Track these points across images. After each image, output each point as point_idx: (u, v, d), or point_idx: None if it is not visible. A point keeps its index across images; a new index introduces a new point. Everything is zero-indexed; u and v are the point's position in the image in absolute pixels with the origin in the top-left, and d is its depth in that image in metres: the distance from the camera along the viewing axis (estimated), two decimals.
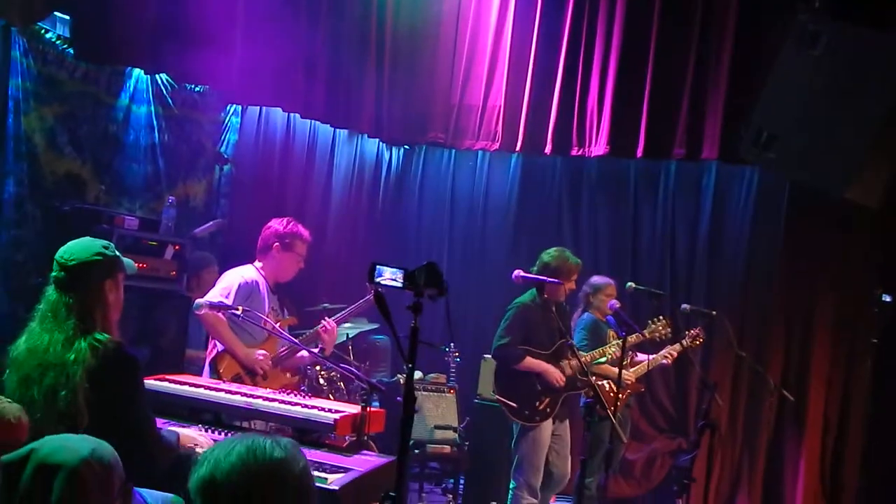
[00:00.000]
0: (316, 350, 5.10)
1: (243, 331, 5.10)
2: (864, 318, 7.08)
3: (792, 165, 6.13)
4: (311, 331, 5.38)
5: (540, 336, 5.99)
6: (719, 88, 6.93)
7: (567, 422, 6.14)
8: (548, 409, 5.89)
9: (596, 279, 6.92)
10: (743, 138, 6.14)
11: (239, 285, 5.06)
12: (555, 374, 5.89)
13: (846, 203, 6.08)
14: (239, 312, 4.54)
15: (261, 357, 5.06)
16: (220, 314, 4.84)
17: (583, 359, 5.78)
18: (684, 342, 6.55)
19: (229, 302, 4.86)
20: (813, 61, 5.71)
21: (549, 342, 6.00)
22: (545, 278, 5.76)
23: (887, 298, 6.42)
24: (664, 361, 6.72)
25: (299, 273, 5.49)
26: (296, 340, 4.97)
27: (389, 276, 3.11)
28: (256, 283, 5.17)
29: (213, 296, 4.95)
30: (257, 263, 5.33)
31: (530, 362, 5.89)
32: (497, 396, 6.03)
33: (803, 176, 6.32)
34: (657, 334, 6.49)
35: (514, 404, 5.89)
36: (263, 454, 2.02)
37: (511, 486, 6.04)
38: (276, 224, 5.35)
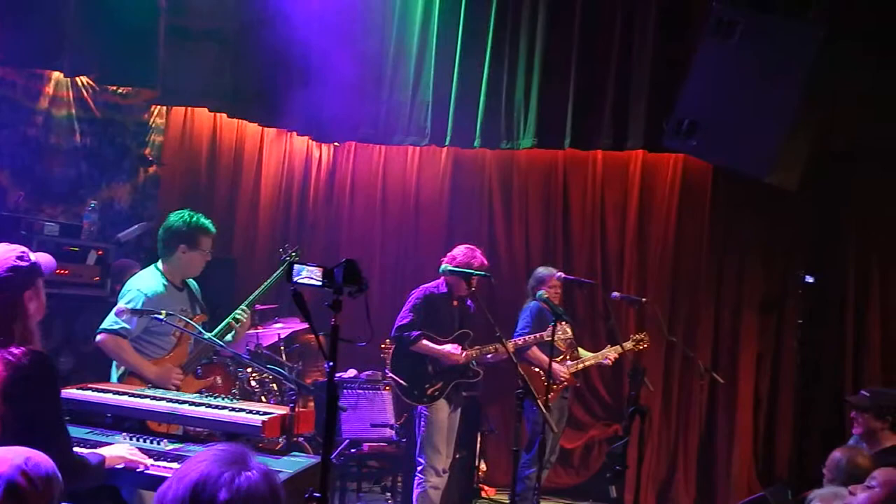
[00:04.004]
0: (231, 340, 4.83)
1: (151, 344, 4.74)
2: (790, 297, 7.28)
3: (714, 151, 6.25)
4: (224, 323, 4.95)
5: (442, 323, 6.07)
6: (643, 79, 7.05)
7: (459, 411, 6.20)
8: (436, 393, 5.98)
9: (540, 271, 6.91)
10: (665, 128, 6.25)
11: (143, 304, 4.64)
12: (452, 357, 5.96)
13: (768, 186, 6.22)
14: (163, 316, 4.42)
15: (173, 377, 4.69)
16: (119, 340, 4.58)
17: (509, 345, 5.74)
18: (626, 345, 6.57)
19: (132, 325, 4.61)
20: (730, 50, 5.83)
21: (449, 330, 6.09)
22: (472, 271, 5.76)
23: (810, 279, 6.59)
24: (605, 361, 6.78)
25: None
26: (219, 341, 4.60)
27: (307, 275, 3.09)
28: (160, 293, 4.73)
29: (122, 310, 4.61)
30: (160, 265, 4.87)
31: (425, 346, 5.96)
32: (390, 374, 6.11)
33: (725, 161, 6.46)
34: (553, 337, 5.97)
35: (404, 383, 5.98)
36: None
37: (417, 468, 6.10)
38: (176, 222, 4.84)
